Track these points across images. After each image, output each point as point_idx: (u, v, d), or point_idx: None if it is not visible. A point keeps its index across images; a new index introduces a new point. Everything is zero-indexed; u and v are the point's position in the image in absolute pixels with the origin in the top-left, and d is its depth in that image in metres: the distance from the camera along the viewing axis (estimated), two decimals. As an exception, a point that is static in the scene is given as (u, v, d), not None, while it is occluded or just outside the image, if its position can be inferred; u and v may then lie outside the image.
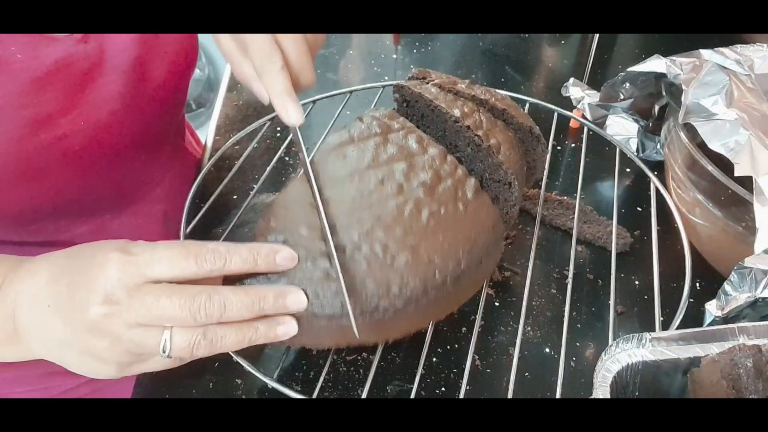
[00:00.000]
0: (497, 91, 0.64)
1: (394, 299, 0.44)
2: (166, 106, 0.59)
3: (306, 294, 0.42)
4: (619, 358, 0.41)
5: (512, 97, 0.65)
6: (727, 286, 0.51)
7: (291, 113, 0.49)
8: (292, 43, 0.49)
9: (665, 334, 0.42)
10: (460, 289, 0.48)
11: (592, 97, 0.80)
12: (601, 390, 0.39)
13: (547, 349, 0.58)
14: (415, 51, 1.03)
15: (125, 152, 0.56)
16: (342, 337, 0.45)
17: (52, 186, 0.51)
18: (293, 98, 0.49)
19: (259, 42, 0.47)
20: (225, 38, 0.51)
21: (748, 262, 0.50)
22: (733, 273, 0.50)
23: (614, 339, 0.50)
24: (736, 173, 0.54)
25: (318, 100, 0.74)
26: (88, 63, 0.49)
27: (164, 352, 0.38)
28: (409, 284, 0.44)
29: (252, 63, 0.48)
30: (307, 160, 0.50)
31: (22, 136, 0.47)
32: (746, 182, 0.54)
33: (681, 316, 0.51)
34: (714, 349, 0.41)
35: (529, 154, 0.61)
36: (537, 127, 0.60)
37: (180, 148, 0.72)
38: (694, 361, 0.41)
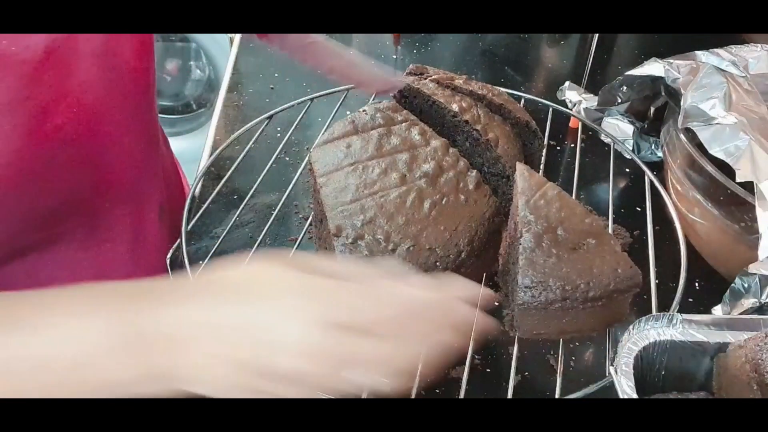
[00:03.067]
0: (494, 86, 0.64)
1: None
2: (145, 93, 0.59)
3: None
4: (648, 335, 0.41)
5: (508, 94, 0.66)
6: (731, 292, 0.51)
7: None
8: None
9: (697, 317, 0.42)
10: None
11: (589, 101, 0.80)
12: (625, 360, 0.39)
13: (546, 349, 0.59)
14: (415, 51, 1.03)
15: (118, 142, 0.56)
16: None
17: (55, 180, 0.51)
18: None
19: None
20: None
21: (753, 268, 0.50)
22: (737, 278, 0.51)
23: (612, 339, 0.51)
24: (738, 179, 0.54)
25: (315, 98, 0.74)
26: (68, 48, 0.49)
27: None
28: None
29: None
30: None
31: (30, 130, 0.47)
32: (745, 182, 0.55)
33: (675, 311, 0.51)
34: (745, 337, 0.41)
35: (527, 148, 0.62)
36: (533, 121, 0.61)
37: (166, 143, 0.72)
38: (722, 347, 0.41)
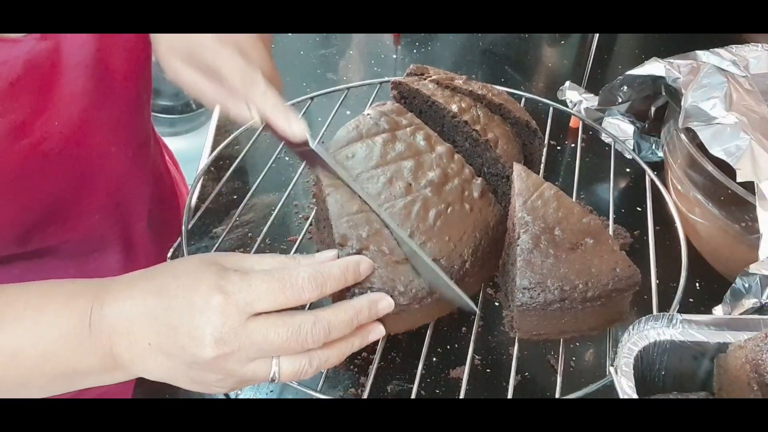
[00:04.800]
0: (494, 86, 0.64)
1: (398, 297, 0.44)
2: (135, 100, 0.58)
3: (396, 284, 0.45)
4: (648, 335, 0.41)
5: (508, 93, 0.65)
6: (732, 292, 0.51)
7: (295, 125, 0.47)
8: (257, 53, 0.48)
9: (697, 317, 0.42)
10: (464, 288, 0.49)
11: (589, 100, 0.80)
12: (625, 361, 0.39)
13: (546, 349, 0.59)
14: (415, 51, 1.03)
15: (105, 151, 0.55)
16: (422, 316, 0.48)
17: (37, 193, 0.51)
18: (290, 109, 0.48)
19: (233, 63, 0.46)
20: (185, 70, 0.49)
21: (753, 268, 0.50)
22: (738, 278, 0.51)
23: (612, 339, 0.51)
24: (739, 179, 0.54)
25: (315, 97, 0.74)
26: (50, 61, 0.48)
27: (273, 381, 0.40)
28: (413, 283, 0.45)
29: (230, 84, 0.47)
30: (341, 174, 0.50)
31: (6, 148, 0.46)
32: (746, 182, 0.54)
33: (675, 311, 0.51)
34: (745, 337, 0.41)
35: (527, 148, 0.62)
36: (534, 121, 0.61)
37: (156, 146, 0.72)
38: (722, 347, 0.41)
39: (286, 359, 0.39)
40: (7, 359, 0.39)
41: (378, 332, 0.43)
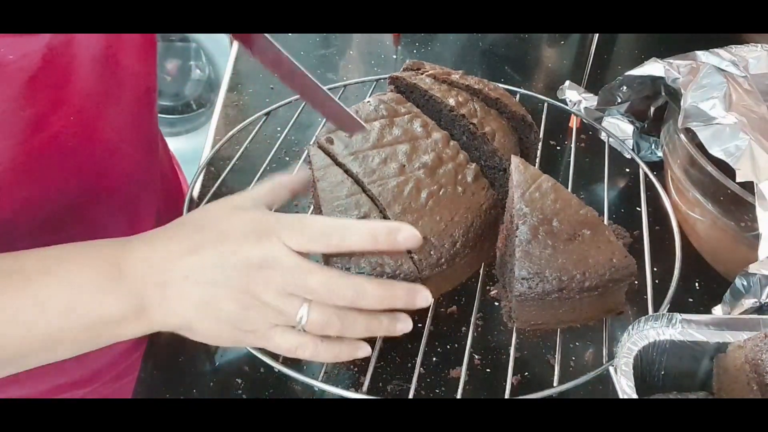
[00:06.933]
0: (490, 81, 0.64)
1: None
2: (144, 96, 0.59)
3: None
4: (647, 335, 0.42)
5: (504, 89, 0.66)
6: (731, 292, 0.51)
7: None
8: None
9: (697, 317, 0.43)
10: (455, 269, 0.49)
11: (589, 100, 0.80)
12: (624, 361, 0.40)
13: (546, 349, 0.59)
14: (415, 51, 1.03)
15: (116, 147, 0.55)
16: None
17: (50, 188, 0.51)
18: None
19: None
20: None
21: (753, 268, 0.50)
22: (737, 278, 0.51)
23: (609, 332, 0.51)
24: (738, 179, 0.54)
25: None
26: (67, 56, 0.48)
27: (300, 322, 0.40)
28: (402, 267, 0.45)
29: None
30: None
31: (24, 140, 0.47)
32: (745, 182, 0.55)
33: (666, 308, 0.51)
34: (745, 336, 0.41)
35: (523, 142, 0.62)
36: (529, 115, 0.61)
37: (164, 147, 0.72)
38: (722, 347, 0.42)
39: (316, 307, 0.40)
40: (36, 311, 0.40)
41: (406, 325, 0.43)
